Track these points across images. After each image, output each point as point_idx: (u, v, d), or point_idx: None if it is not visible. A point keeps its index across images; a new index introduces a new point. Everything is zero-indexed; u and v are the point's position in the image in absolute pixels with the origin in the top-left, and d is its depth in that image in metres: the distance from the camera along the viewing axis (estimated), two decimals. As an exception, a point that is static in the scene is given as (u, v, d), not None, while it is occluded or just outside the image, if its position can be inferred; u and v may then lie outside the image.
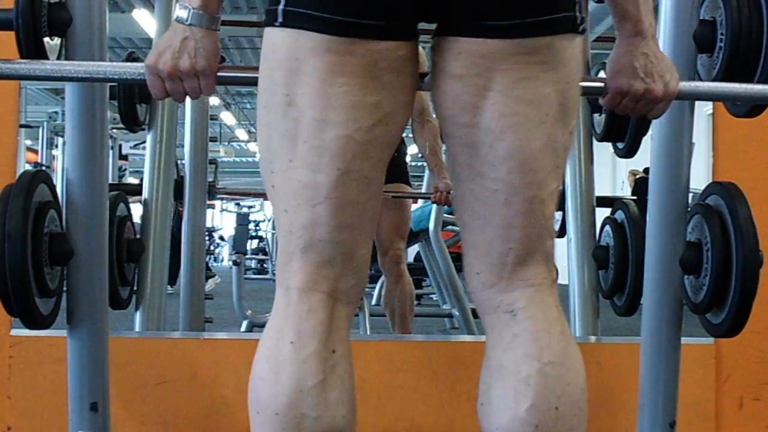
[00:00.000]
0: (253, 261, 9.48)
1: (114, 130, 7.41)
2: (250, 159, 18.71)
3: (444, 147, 3.56)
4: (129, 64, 1.35)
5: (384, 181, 1.15)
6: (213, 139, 7.14)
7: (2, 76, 1.45)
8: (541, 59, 1.08)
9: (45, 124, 8.59)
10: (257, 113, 1.15)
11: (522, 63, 1.07)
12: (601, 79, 1.25)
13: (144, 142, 3.02)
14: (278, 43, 1.09)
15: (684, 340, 1.77)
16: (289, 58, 1.07)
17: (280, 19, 1.08)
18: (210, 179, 3.19)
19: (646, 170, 1.86)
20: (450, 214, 4.51)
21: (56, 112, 8.91)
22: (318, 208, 1.08)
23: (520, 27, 1.06)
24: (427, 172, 4.46)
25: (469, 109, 1.10)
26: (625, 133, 2.37)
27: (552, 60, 1.08)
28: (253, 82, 1.21)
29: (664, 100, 1.22)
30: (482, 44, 1.07)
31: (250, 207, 9.89)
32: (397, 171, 3.59)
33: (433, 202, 3.75)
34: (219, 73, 1.20)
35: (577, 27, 1.10)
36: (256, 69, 1.17)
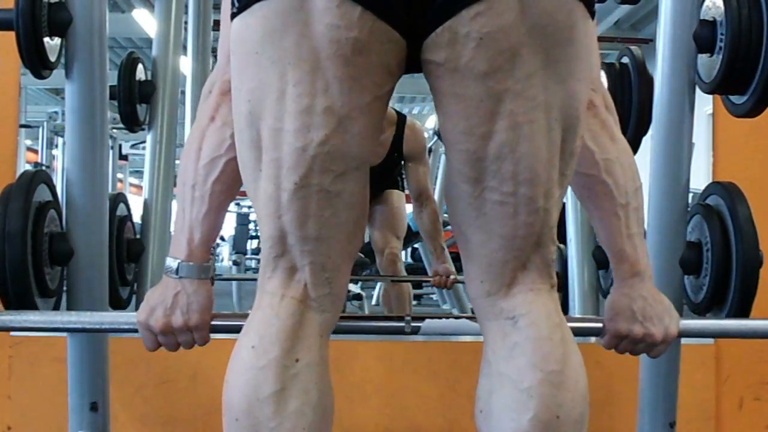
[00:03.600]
0: (253, 261, 9.46)
1: (114, 130, 7.41)
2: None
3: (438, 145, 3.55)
4: (123, 316, 1.33)
5: (366, 193, 1.09)
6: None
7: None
8: (555, 38, 0.98)
9: (45, 124, 8.59)
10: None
11: (537, 46, 0.98)
12: (599, 320, 1.25)
13: (144, 142, 3.02)
14: (238, 41, 1.04)
15: (684, 340, 1.77)
16: (249, 54, 1.01)
17: (236, 4, 1.02)
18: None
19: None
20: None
21: (56, 112, 8.90)
22: (282, 220, 1.04)
23: None
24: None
25: (486, 118, 1.00)
26: (624, 134, 2.36)
27: (565, 41, 1.00)
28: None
29: (663, 343, 1.21)
30: (498, 18, 0.95)
31: (250, 207, 9.88)
32: (388, 179, 3.59)
33: (433, 285, 3.72)
34: (213, 322, 1.19)
35: (592, 3, 1.04)
36: None
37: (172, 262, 1.16)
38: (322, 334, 1.09)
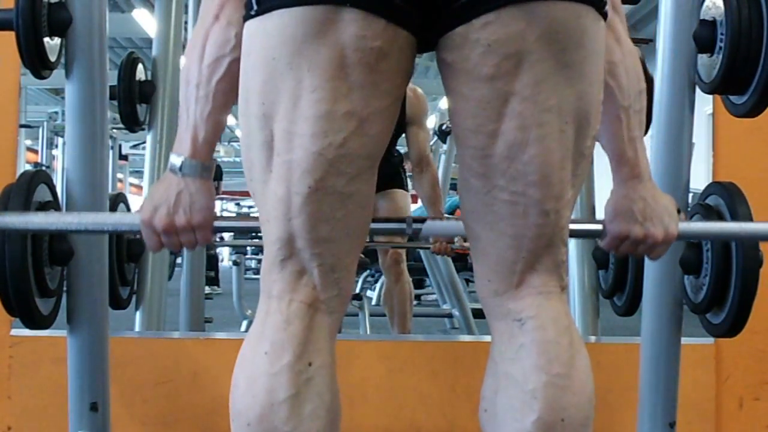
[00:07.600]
0: (253, 261, 9.46)
1: (114, 130, 7.41)
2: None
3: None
4: (126, 215, 1.35)
5: (373, 193, 1.10)
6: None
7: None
8: (564, 44, 1.00)
9: (45, 124, 8.60)
10: (239, 118, 1.11)
11: (546, 52, 1.00)
12: (599, 222, 1.24)
13: (144, 142, 3.02)
14: (253, 43, 1.04)
15: (684, 340, 1.77)
16: (265, 58, 1.02)
17: (255, 7, 1.03)
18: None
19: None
20: (450, 213, 4.50)
21: (56, 112, 8.92)
22: (293, 222, 1.05)
23: None
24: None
25: (493, 118, 1.03)
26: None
27: (575, 45, 1.01)
28: (249, 230, 1.21)
29: (663, 244, 1.21)
30: (507, 27, 0.99)
31: (250, 207, 9.88)
32: (392, 178, 3.59)
33: (432, 252, 3.73)
34: (216, 224, 1.19)
35: (603, 5, 1.04)
36: (252, 218, 1.15)
37: (176, 159, 1.15)
38: (331, 336, 1.09)
